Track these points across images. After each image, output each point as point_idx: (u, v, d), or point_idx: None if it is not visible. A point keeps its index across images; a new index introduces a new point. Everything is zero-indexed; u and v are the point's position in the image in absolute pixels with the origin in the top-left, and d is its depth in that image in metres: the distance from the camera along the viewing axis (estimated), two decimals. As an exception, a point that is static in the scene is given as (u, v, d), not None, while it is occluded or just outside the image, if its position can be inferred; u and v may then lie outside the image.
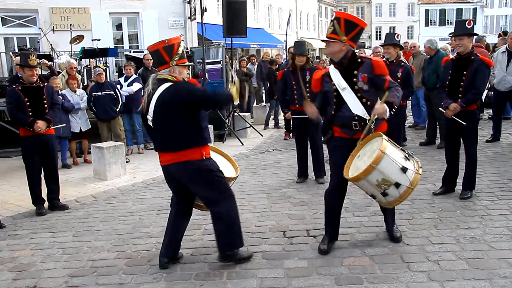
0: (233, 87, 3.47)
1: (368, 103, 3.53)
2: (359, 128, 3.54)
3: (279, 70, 8.03)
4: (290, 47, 9.13)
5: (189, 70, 3.87)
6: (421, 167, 3.42)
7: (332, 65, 3.68)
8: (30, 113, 5.30)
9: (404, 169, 3.31)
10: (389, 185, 3.31)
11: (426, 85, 7.63)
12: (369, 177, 3.30)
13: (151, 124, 3.54)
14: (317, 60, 19.53)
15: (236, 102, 3.64)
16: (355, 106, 3.53)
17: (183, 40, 3.60)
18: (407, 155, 3.45)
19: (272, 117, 11.12)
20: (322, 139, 4.30)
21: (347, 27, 3.46)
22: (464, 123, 4.70)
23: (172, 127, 3.41)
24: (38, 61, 5.56)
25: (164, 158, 3.53)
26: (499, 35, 11.41)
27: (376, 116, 3.42)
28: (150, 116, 3.50)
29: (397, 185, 3.31)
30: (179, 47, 3.48)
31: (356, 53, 3.64)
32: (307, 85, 5.40)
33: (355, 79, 3.53)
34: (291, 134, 9.34)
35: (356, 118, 3.54)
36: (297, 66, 5.71)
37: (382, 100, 3.38)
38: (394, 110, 3.57)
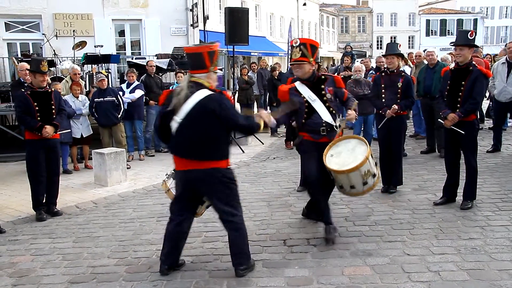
0: (261, 121, 3.61)
1: (334, 111, 4.28)
2: (325, 133, 4.22)
3: (282, 77, 7.93)
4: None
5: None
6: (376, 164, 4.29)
7: (298, 81, 4.31)
8: (38, 118, 5.33)
9: (376, 163, 4.23)
10: (369, 175, 4.05)
11: (432, 94, 7.34)
12: (361, 168, 3.98)
13: (172, 124, 3.41)
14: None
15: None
16: (325, 114, 4.22)
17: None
18: None
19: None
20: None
21: (312, 50, 4.19)
22: (463, 132, 4.73)
23: (207, 137, 3.37)
24: (49, 68, 5.64)
25: (185, 164, 3.44)
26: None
27: (346, 120, 4.37)
28: (178, 118, 3.37)
29: (374, 175, 4.10)
30: (218, 54, 3.53)
31: (317, 71, 4.39)
32: None
33: (323, 92, 4.25)
34: (292, 143, 9.34)
35: (324, 124, 4.20)
36: None
37: (352, 107, 4.25)
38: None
